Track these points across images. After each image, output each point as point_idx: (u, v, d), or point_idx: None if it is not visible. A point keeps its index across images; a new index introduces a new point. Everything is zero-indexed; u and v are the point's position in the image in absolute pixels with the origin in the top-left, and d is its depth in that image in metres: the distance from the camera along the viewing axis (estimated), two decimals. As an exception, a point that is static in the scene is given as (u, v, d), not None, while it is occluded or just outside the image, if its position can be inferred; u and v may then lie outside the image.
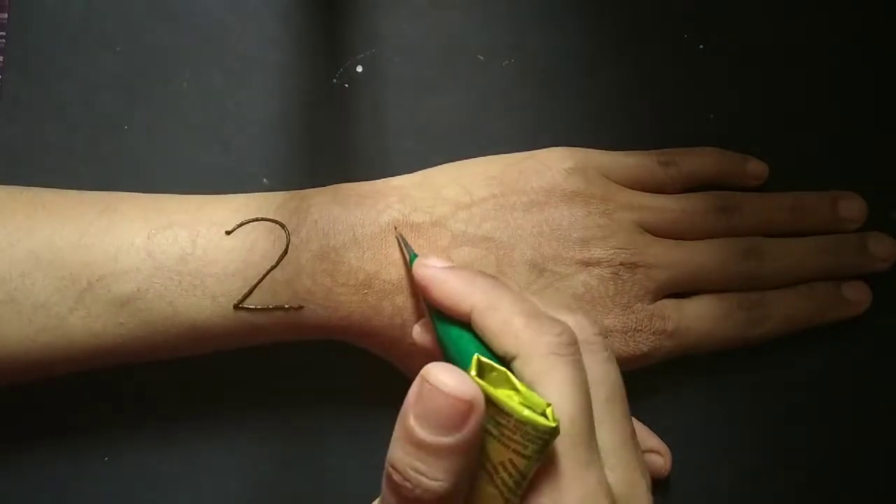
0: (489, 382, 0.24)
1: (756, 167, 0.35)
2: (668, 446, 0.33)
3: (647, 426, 0.33)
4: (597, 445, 0.25)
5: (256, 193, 0.32)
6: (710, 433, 0.35)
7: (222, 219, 0.31)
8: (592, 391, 0.25)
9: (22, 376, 0.30)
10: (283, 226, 0.31)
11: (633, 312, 0.32)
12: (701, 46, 0.37)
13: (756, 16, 0.38)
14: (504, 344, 0.25)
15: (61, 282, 0.29)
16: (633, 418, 0.33)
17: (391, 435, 0.34)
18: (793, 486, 0.34)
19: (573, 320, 0.27)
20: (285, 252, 0.30)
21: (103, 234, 0.30)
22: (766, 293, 0.34)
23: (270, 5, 0.37)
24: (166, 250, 0.30)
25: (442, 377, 0.22)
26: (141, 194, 0.32)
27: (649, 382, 0.34)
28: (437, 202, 0.32)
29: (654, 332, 0.32)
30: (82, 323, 0.29)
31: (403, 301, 0.31)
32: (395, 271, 0.31)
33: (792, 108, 0.37)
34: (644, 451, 0.32)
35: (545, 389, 0.24)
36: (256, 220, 0.31)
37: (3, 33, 0.36)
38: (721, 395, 0.35)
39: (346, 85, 0.36)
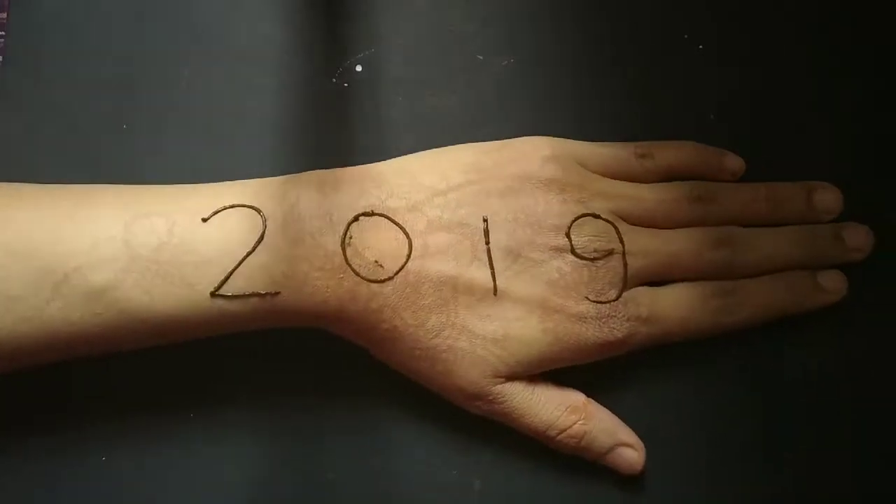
0: None
1: (732, 162, 0.35)
2: (642, 440, 0.33)
3: (622, 419, 0.33)
4: None
5: (233, 181, 0.32)
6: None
7: (199, 207, 0.31)
8: None
9: (2, 365, 0.30)
10: (259, 212, 0.31)
11: (607, 299, 0.32)
12: (701, 46, 0.37)
13: (756, 16, 0.38)
14: None
15: (37, 273, 0.29)
16: (607, 411, 0.33)
17: (391, 434, 0.34)
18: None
19: None
20: (262, 237, 0.30)
21: (80, 224, 0.30)
22: (740, 282, 0.34)
23: (270, 5, 0.37)
24: (143, 240, 0.30)
25: None
26: (119, 186, 0.32)
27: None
28: (413, 188, 0.32)
29: (628, 319, 0.32)
30: (60, 314, 0.29)
31: (379, 286, 0.31)
32: (371, 255, 0.31)
33: (792, 109, 0.37)
34: (618, 445, 0.32)
35: None
36: (232, 206, 0.31)
37: (3, 33, 0.36)
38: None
39: (346, 84, 0.36)
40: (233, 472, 0.33)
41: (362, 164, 0.34)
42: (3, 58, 0.36)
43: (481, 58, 0.37)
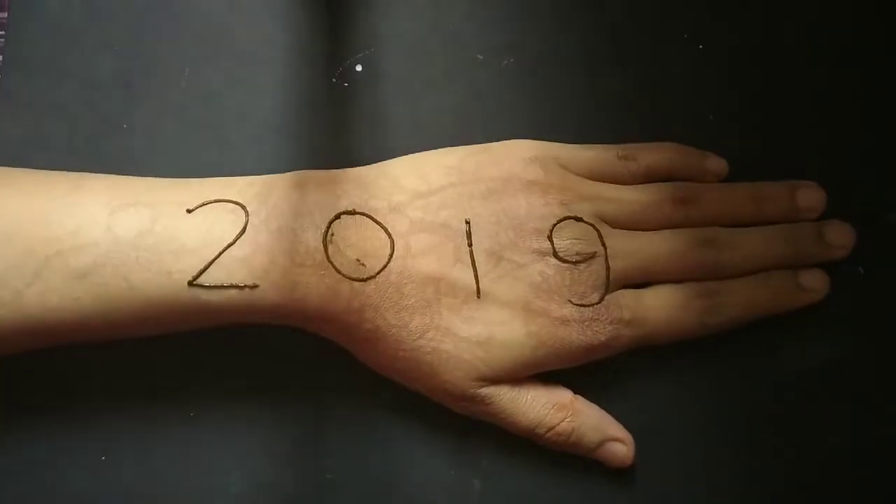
0: None
1: (715, 164, 0.35)
2: (633, 435, 0.33)
3: (611, 415, 0.33)
4: None
5: (219, 178, 0.32)
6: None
7: (185, 199, 0.31)
8: None
9: None
10: (243, 207, 0.31)
11: (590, 302, 0.32)
12: (701, 46, 0.37)
13: (756, 16, 0.38)
14: None
15: (20, 257, 0.29)
16: (595, 406, 0.33)
17: (391, 434, 0.34)
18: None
19: None
20: (244, 230, 0.30)
21: (66, 210, 0.30)
22: (723, 282, 0.34)
23: (270, 4, 0.37)
24: (127, 226, 0.30)
25: None
26: (109, 175, 0.32)
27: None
28: (395, 190, 0.32)
29: (611, 322, 0.32)
30: (38, 298, 0.29)
31: (361, 285, 0.31)
32: (353, 253, 0.31)
33: (792, 109, 0.37)
34: (607, 440, 0.32)
35: None
36: (217, 201, 0.31)
37: (3, 32, 0.36)
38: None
39: (346, 84, 0.36)
40: (233, 472, 0.33)
41: (362, 163, 0.34)
42: (4, 57, 0.36)
43: (481, 57, 0.37)
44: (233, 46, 0.36)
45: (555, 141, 0.35)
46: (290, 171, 0.33)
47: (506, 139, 0.35)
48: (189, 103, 0.36)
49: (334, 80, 0.36)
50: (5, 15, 0.36)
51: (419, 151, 0.34)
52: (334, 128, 0.36)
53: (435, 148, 0.34)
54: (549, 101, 0.37)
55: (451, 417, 0.33)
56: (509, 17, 0.37)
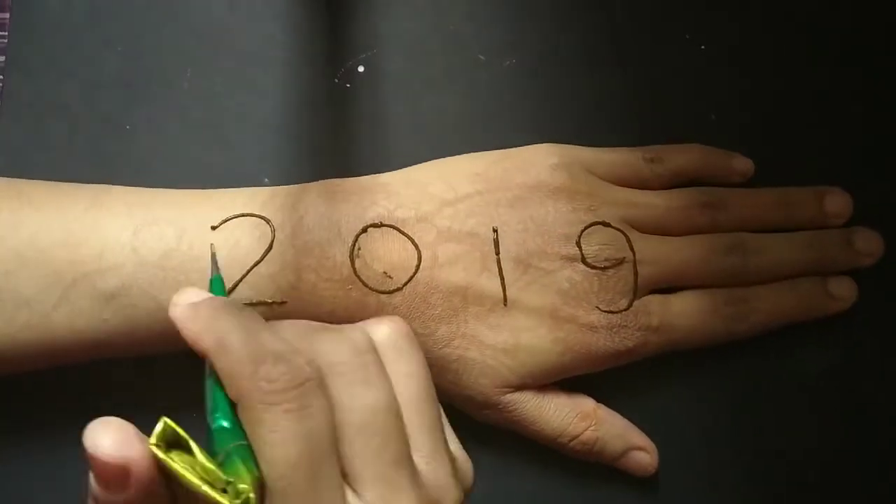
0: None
1: (742, 164, 0.35)
2: (655, 444, 0.33)
3: (634, 423, 0.33)
4: (331, 492, 0.22)
5: (242, 189, 0.32)
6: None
7: (208, 215, 0.31)
8: (343, 420, 0.23)
9: (1, 370, 0.30)
10: (268, 221, 0.31)
11: (618, 308, 0.32)
12: (702, 46, 0.37)
13: (756, 16, 0.38)
14: (228, 389, 0.23)
15: (46, 279, 0.29)
16: (617, 415, 0.33)
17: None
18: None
19: (324, 346, 0.24)
20: (270, 247, 0.30)
21: (89, 230, 0.30)
22: (750, 289, 0.34)
23: (271, 5, 0.37)
24: (151, 246, 0.30)
25: (98, 440, 0.21)
26: (127, 188, 0.32)
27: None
28: (422, 198, 0.32)
29: (639, 328, 0.32)
30: (66, 319, 0.29)
31: (388, 297, 0.31)
32: (380, 266, 0.31)
33: (794, 109, 0.37)
34: (630, 449, 0.32)
35: (257, 442, 0.23)
36: (242, 215, 0.31)
37: (5, 33, 0.36)
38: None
39: (348, 85, 0.36)
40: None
41: (364, 164, 0.34)
42: (5, 57, 0.36)
43: (483, 58, 0.37)
44: (234, 47, 0.36)
45: (557, 142, 0.35)
46: (292, 171, 0.33)
47: (507, 139, 0.35)
48: (190, 104, 0.36)
49: (336, 81, 0.36)
50: (6, 15, 0.36)
51: (421, 152, 0.34)
52: (337, 128, 0.36)
53: (438, 149, 0.34)
54: (550, 102, 0.37)
55: (452, 419, 0.33)
56: (510, 18, 0.37)
